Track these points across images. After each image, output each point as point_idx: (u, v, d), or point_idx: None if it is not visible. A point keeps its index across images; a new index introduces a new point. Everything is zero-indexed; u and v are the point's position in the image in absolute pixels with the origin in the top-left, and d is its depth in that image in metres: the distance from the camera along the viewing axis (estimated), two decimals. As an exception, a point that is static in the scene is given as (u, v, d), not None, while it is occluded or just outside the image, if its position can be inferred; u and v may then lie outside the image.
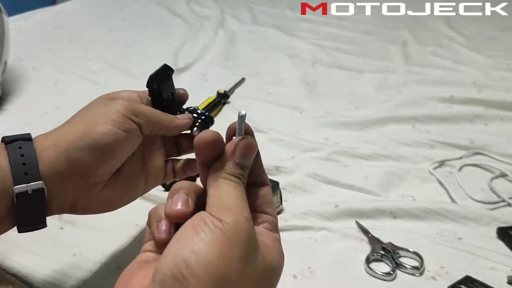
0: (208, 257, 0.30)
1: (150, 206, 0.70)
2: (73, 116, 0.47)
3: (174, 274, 0.29)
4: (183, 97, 0.55)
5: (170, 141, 0.54)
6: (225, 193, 0.34)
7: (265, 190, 0.40)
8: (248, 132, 0.38)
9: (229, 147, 0.37)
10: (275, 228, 0.39)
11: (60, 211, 0.46)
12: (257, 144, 0.38)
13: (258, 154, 0.39)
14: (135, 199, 0.52)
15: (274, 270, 0.35)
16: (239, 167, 0.36)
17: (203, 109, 0.97)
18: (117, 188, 0.48)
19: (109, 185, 0.47)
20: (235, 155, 0.36)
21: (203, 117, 0.54)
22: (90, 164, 0.44)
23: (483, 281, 0.55)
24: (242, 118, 0.37)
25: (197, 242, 0.30)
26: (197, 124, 0.53)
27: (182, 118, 0.51)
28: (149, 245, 0.39)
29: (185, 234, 0.31)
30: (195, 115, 0.54)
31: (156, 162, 0.52)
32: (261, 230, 0.37)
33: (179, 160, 0.55)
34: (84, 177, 0.45)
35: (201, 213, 0.33)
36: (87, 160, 0.43)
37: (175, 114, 0.52)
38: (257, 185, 0.40)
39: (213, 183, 0.35)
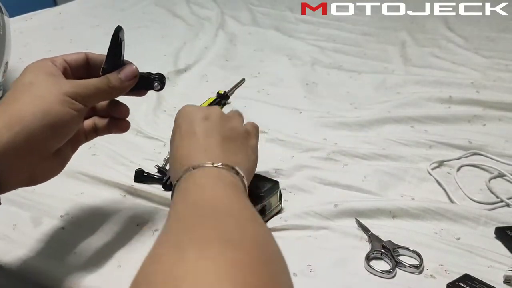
0: None
1: (151, 205, 0.71)
2: (16, 90, 0.49)
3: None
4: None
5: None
6: None
7: None
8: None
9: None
10: None
11: (17, 186, 0.49)
12: None
13: None
14: (69, 159, 0.56)
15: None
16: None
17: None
18: (59, 158, 0.53)
19: (54, 155, 0.51)
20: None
21: (155, 76, 0.60)
22: (49, 141, 0.48)
23: (482, 279, 0.56)
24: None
25: None
26: (156, 79, 0.60)
27: (122, 77, 0.55)
28: None
29: None
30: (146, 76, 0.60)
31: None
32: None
33: (102, 119, 0.60)
34: (41, 153, 0.48)
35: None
36: (47, 138, 0.47)
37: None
38: None
39: None
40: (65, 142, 0.51)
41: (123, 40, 0.56)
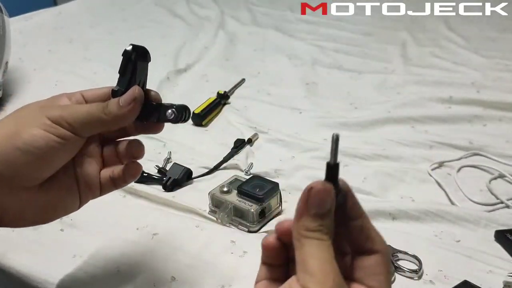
0: None
1: (152, 207, 0.71)
2: (6, 117, 0.45)
3: None
4: (155, 98, 0.49)
5: (109, 149, 0.49)
6: (308, 256, 0.31)
7: (371, 260, 0.34)
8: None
9: (301, 198, 0.32)
10: None
11: (9, 224, 0.44)
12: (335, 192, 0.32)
13: (363, 214, 0.35)
14: (73, 210, 0.48)
15: None
16: (318, 218, 0.31)
17: (202, 109, 0.97)
18: (50, 195, 0.45)
19: (42, 190, 0.44)
20: (309, 206, 0.31)
21: (171, 105, 0.47)
22: (19, 166, 0.41)
23: (481, 286, 0.55)
24: (336, 141, 0.33)
25: None
26: (171, 107, 0.47)
27: (120, 102, 0.44)
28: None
29: None
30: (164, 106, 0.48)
31: (88, 171, 0.47)
32: None
33: (119, 167, 0.49)
34: (14, 180, 0.42)
35: (290, 280, 0.31)
36: (16, 162, 0.41)
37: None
38: (363, 253, 0.34)
39: (296, 245, 0.32)
40: (51, 171, 0.44)
41: (140, 61, 0.47)
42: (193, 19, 1.67)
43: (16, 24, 1.48)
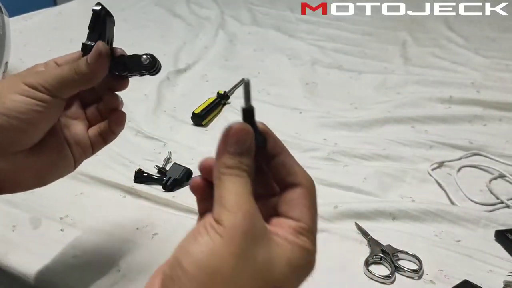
0: (199, 255, 0.29)
1: (152, 207, 0.71)
2: None
3: (171, 275, 0.30)
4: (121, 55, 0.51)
5: (91, 110, 0.53)
6: (225, 191, 0.32)
7: (294, 193, 0.35)
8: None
9: (221, 138, 0.34)
10: (302, 234, 0.33)
11: (7, 190, 0.46)
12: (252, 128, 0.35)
13: (283, 151, 0.36)
14: (70, 171, 0.51)
15: (284, 270, 0.31)
16: (236, 156, 0.33)
17: (202, 109, 0.97)
18: (42, 158, 0.47)
19: (34, 154, 0.46)
20: (227, 144, 0.33)
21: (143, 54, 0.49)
22: (7, 131, 0.43)
23: (481, 285, 0.55)
24: (247, 86, 0.35)
25: (193, 245, 0.30)
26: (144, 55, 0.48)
27: (88, 60, 0.47)
28: None
29: (186, 240, 0.31)
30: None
31: (75, 130, 0.51)
32: (278, 230, 0.33)
33: (103, 123, 0.52)
34: (4, 145, 0.44)
35: (205, 217, 0.32)
36: (3, 127, 0.43)
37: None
38: (287, 188, 0.35)
39: (216, 183, 0.33)
40: (39, 135, 0.46)
41: (108, 18, 0.51)
42: (193, 19, 1.67)
43: (16, 24, 1.48)
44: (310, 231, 0.34)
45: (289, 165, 0.36)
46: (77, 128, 0.51)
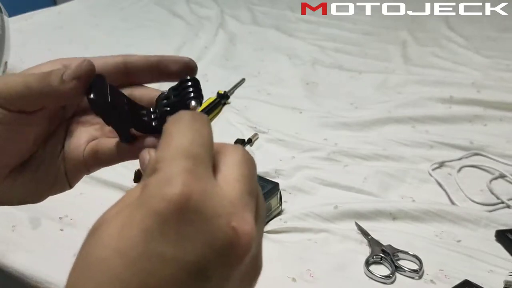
0: None
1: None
2: None
3: None
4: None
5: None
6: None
7: None
8: None
9: None
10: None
11: None
12: None
13: None
14: (64, 190, 0.40)
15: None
16: None
17: (202, 109, 0.97)
18: (28, 178, 0.38)
19: (18, 174, 0.37)
20: None
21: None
22: None
23: (482, 285, 0.55)
24: None
25: None
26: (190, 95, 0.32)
27: (64, 75, 0.33)
28: None
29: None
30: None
31: (76, 142, 0.38)
32: None
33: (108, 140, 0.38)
34: None
35: None
36: None
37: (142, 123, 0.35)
38: None
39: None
40: (14, 159, 0.36)
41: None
42: (193, 19, 1.67)
43: (16, 24, 1.48)
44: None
45: None
46: (80, 138, 0.38)
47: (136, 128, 0.34)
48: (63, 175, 0.39)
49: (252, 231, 0.23)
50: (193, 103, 0.32)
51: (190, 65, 0.36)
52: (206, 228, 0.22)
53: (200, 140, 0.25)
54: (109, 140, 0.38)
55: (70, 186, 0.40)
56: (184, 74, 0.34)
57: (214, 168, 0.25)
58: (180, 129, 0.25)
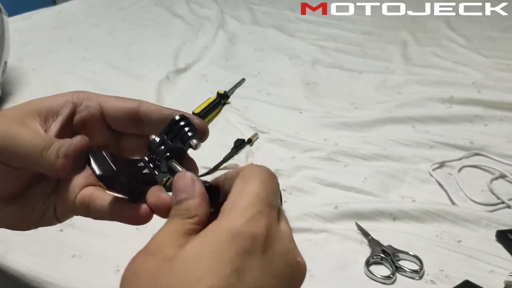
0: None
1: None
2: None
3: None
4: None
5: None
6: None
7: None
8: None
9: None
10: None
11: None
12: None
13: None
14: (52, 224, 0.38)
15: None
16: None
17: (202, 109, 0.97)
18: (18, 210, 0.36)
19: (8, 204, 0.35)
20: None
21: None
22: None
23: (482, 285, 0.55)
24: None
25: None
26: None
27: (59, 152, 0.32)
28: None
29: None
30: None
31: (73, 184, 0.36)
32: None
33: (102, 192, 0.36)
34: None
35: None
36: None
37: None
38: None
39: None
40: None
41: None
42: (193, 19, 1.67)
43: (16, 24, 1.48)
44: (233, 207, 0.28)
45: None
46: (74, 183, 0.36)
47: (143, 183, 0.33)
48: (51, 213, 0.37)
49: (305, 262, 0.30)
50: (194, 141, 0.32)
51: (201, 127, 0.35)
52: (282, 263, 0.27)
53: (273, 190, 0.31)
54: (103, 195, 0.36)
55: (59, 222, 0.38)
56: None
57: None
58: (257, 178, 0.31)
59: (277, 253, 0.27)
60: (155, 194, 0.32)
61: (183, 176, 0.31)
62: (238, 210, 0.27)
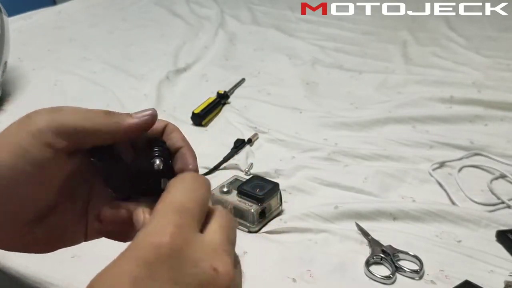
0: None
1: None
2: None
3: None
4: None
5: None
6: None
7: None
8: None
9: None
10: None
11: None
12: None
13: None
14: (78, 243, 0.38)
15: None
16: None
17: (202, 109, 0.97)
18: (45, 230, 0.35)
19: (35, 225, 0.34)
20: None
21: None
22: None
23: (482, 285, 0.55)
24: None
25: None
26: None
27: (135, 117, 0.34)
28: None
29: None
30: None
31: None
32: None
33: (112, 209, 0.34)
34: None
35: None
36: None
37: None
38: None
39: None
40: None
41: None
42: (193, 19, 1.67)
43: (16, 24, 1.48)
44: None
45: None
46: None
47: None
48: (81, 233, 0.37)
49: (231, 271, 0.26)
50: (157, 161, 0.33)
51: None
52: (192, 271, 0.25)
53: (194, 197, 0.28)
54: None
55: (85, 240, 0.38)
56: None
57: (204, 224, 0.28)
58: (178, 186, 0.29)
59: (188, 260, 0.25)
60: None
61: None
62: (152, 220, 0.27)
